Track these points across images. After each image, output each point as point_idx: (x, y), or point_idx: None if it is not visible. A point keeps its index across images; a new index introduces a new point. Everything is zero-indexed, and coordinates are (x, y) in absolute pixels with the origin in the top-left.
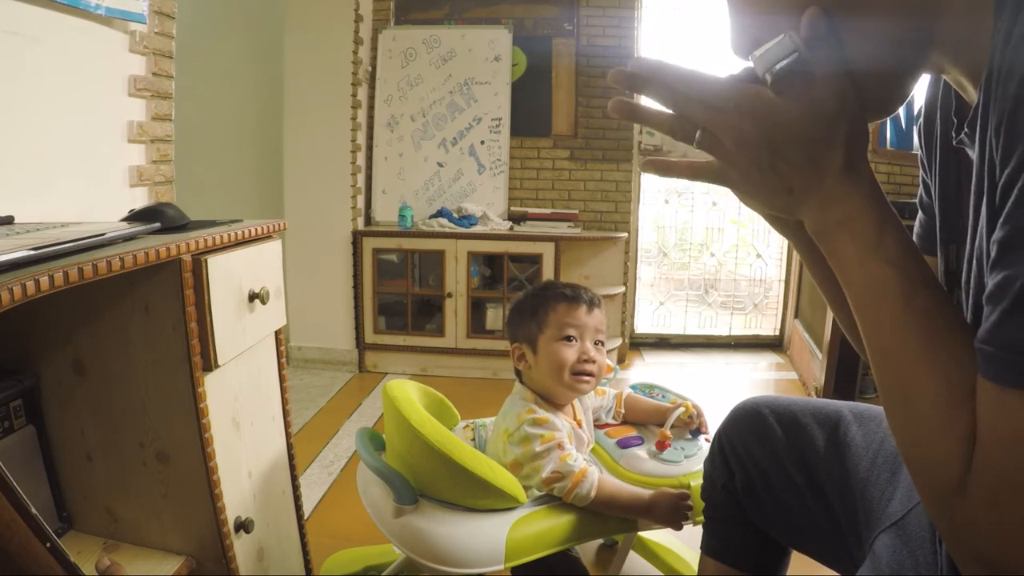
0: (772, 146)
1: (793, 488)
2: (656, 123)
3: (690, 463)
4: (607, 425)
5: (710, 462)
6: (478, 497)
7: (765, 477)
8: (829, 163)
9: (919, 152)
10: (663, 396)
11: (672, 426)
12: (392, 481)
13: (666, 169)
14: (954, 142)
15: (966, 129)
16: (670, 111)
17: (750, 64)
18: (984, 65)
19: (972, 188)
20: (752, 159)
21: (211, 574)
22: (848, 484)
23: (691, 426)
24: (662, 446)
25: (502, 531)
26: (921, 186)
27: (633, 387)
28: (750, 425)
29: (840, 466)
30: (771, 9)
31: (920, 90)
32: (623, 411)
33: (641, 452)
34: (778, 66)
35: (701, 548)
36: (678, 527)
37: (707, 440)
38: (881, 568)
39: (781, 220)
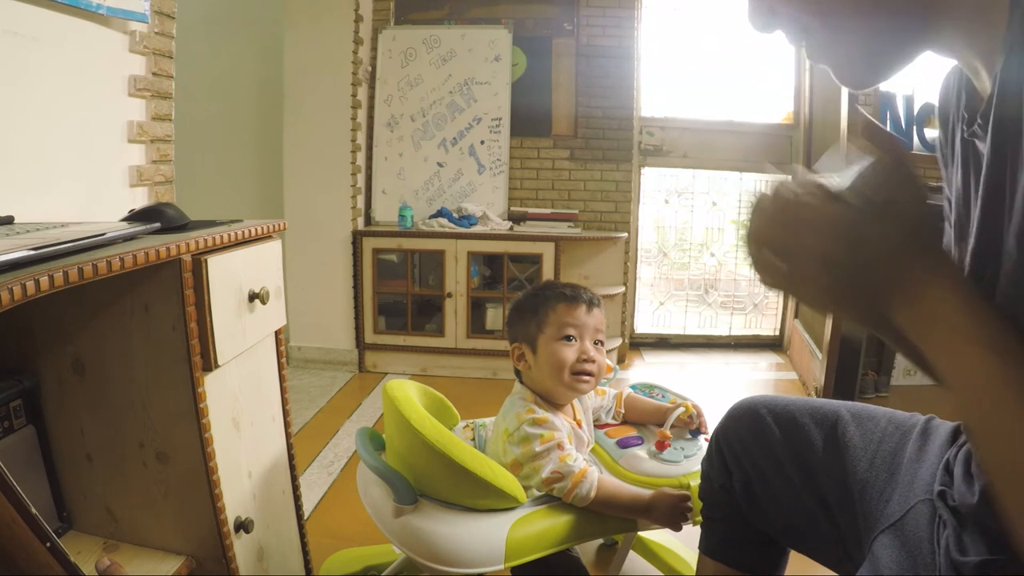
0: (848, 255)
1: (791, 488)
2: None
3: (690, 463)
4: (607, 425)
5: (708, 462)
6: (478, 497)
7: (763, 477)
8: (909, 259)
9: (938, 159)
10: (663, 396)
11: (672, 426)
12: (392, 481)
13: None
14: (966, 135)
15: (979, 120)
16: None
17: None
18: (998, 52)
19: (982, 181)
20: (838, 275)
21: (211, 574)
22: (846, 484)
23: (691, 426)
24: (662, 446)
25: (502, 531)
26: (944, 201)
27: (633, 387)
28: (748, 425)
29: (838, 466)
30: None
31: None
32: (623, 411)
33: (641, 452)
34: (867, 178)
35: (699, 548)
36: (677, 528)
37: (707, 440)
38: (880, 569)
39: (870, 321)
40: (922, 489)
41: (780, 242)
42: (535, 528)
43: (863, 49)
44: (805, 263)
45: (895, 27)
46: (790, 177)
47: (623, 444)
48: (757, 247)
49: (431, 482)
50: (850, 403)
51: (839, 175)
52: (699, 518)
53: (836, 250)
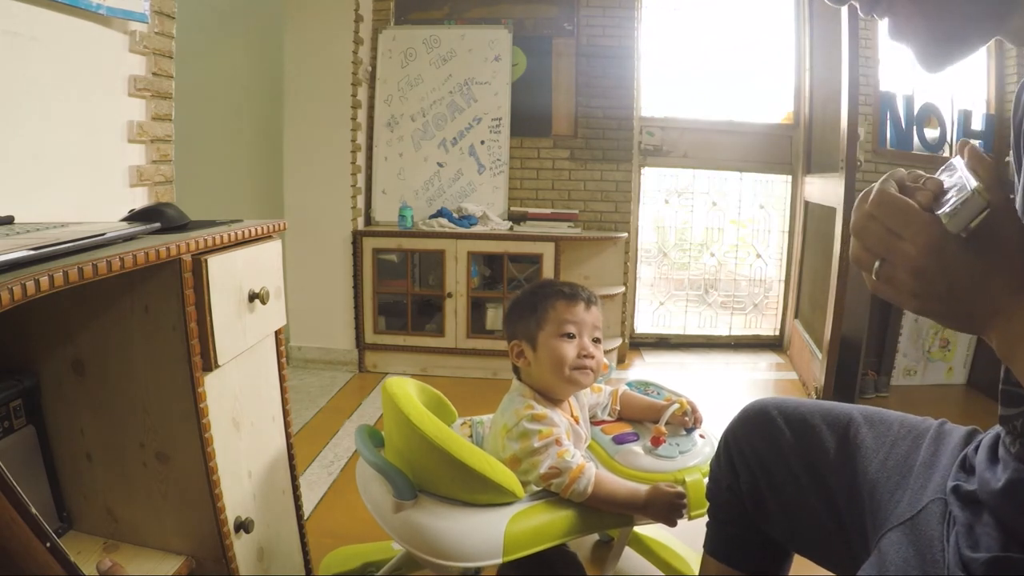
0: (946, 277)
1: (799, 489)
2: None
3: (685, 459)
4: (603, 422)
5: (716, 463)
6: (476, 492)
7: (770, 478)
8: (1006, 284)
9: (1012, 157)
10: (658, 393)
11: (667, 423)
12: (391, 477)
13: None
14: None
15: None
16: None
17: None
18: None
19: None
20: (927, 289)
21: (211, 574)
22: (856, 484)
23: (686, 423)
24: (657, 442)
25: (500, 525)
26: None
27: (629, 384)
28: (758, 426)
29: (849, 467)
30: None
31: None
32: (619, 408)
33: (636, 448)
34: (973, 224)
35: (704, 548)
36: (672, 523)
37: (701, 436)
38: (886, 566)
39: (961, 330)
40: (934, 490)
41: (874, 239)
42: (533, 523)
43: (944, 26)
44: (896, 265)
45: (977, 8)
46: (895, 178)
47: (619, 440)
48: (854, 238)
49: (430, 477)
50: (863, 407)
51: (945, 189)
52: (695, 513)
53: (929, 265)
